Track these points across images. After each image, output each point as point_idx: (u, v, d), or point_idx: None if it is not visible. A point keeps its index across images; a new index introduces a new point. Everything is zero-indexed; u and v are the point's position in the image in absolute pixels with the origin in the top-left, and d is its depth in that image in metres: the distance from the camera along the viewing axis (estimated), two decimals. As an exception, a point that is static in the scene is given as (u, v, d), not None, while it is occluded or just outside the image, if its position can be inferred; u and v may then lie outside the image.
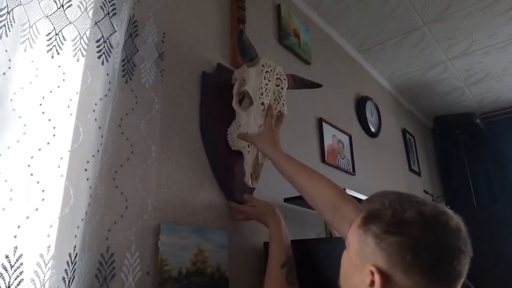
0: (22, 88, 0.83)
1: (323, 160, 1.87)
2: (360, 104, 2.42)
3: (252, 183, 1.15)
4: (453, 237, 0.58)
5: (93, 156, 0.88)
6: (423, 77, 2.93)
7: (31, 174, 0.79)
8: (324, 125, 1.96)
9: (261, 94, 1.08)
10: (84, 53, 0.92)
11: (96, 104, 0.91)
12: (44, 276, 0.75)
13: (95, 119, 0.90)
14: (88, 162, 0.86)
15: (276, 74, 1.11)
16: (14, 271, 0.71)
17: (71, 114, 0.87)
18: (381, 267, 0.59)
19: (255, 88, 1.08)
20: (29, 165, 0.79)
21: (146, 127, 1.05)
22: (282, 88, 1.14)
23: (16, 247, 0.73)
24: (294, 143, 1.70)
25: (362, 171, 2.19)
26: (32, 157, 0.80)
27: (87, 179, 0.85)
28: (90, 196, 0.84)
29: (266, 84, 1.08)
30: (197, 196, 1.17)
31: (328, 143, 1.95)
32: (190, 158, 1.19)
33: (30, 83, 0.85)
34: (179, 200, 1.12)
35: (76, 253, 0.79)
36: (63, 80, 0.88)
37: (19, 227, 0.74)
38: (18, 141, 0.79)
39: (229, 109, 1.21)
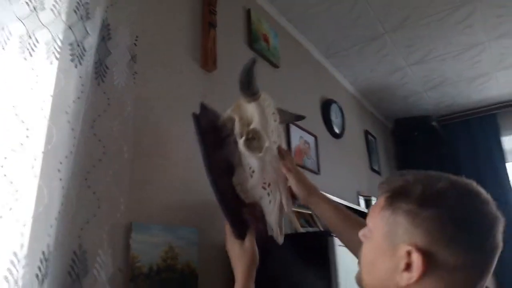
0: (-5, 90, 0.84)
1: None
2: (326, 106, 2.52)
3: (281, 237, 0.93)
4: (488, 204, 0.56)
5: (66, 157, 0.90)
6: (384, 81, 3.09)
7: (5, 175, 0.81)
8: (292, 127, 2.04)
9: (272, 132, 0.91)
10: (58, 56, 0.94)
11: (69, 106, 0.93)
12: (18, 273, 0.78)
13: (68, 121, 0.92)
14: (61, 163, 0.89)
15: (272, 108, 0.93)
16: (-11, 269, 0.73)
17: (44, 116, 0.89)
18: (419, 246, 0.53)
19: (265, 126, 0.88)
20: (2, 166, 0.81)
21: (119, 129, 1.08)
22: (278, 123, 0.95)
23: (-11, 246, 0.75)
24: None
25: (327, 170, 2.29)
26: (5, 158, 0.81)
27: (60, 179, 0.87)
28: (63, 196, 0.87)
29: (275, 120, 0.91)
30: (169, 195, 1.22)
31: (295, 144, 2.04)
32: (162, 158, 1.23)
33: (3, 84, 0.86)
34: (151, 199, 1.15)
35: (50, 251, 0.82)
36: (36, 82, 0.90)
37: (-7, 226, 0.76)
38: (-9, 143, 0.80)
39: (224, 156, 0.98)
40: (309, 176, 2.09)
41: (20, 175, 0.83)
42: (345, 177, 2.53)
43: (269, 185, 0.88)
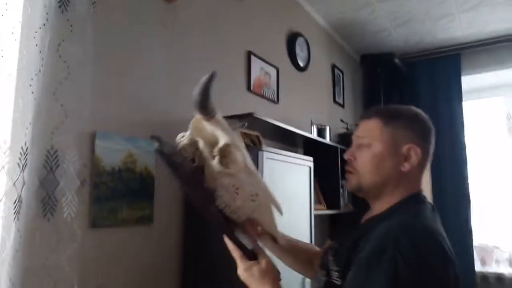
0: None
1: (249, 89, 2.17)
2: (291, 39, 2.67)
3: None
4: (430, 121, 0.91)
5: (36, 74, 1.11)
6: (355, 16, 3.19)
7: (-14, 87, 1.02)
8: (253, 58, 2.22)
9: (241, 141, 0.86)
10: (23, -15, 1.10)
11: (36, 32, 1.11)
12: (3, 162, 1.03)
13: (36, 44, 1.11)
14: (32, 79, 1.09)
15: (225, 122, 0.86)
16: (-20, 156, 0.98)
17: (15, 40, 1.07)
18: (416, 143, 0.84)
19: (235, 138, 0.83)
20: (-17, 79, 1.01)
21: (81, 51, 1.26)
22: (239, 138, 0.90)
23: (-21, 140, 0.99)
24: (222, 74, 1.97)
25: (286, 101, 2.52)
26: (-15, 73, 1.02)
27: (32, 92, 1.09)
28: (35, 105, 1.09)
29: (238, 135, 0.87)
30: (130, 109, 1.45)
31: (255, 75, 2.23)
32: (123, 76, 1.44)
33: (-23, 11, 1.03)
34: (114, 112, 1.39)
35: (27, 147, 1.06)
36: (6, 10, 1.07)
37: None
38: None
39: (198, 185, 0.84)
40: (267, 104, 2.33)
41: (-2, 87, 1.04)
42: (303, 108, 2.77)
43: (257, 195, 0.83)
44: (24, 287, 1.05)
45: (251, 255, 0.83)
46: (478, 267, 3.46)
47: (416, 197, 0.86)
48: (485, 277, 3.39)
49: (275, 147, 2.25)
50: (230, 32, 2.08)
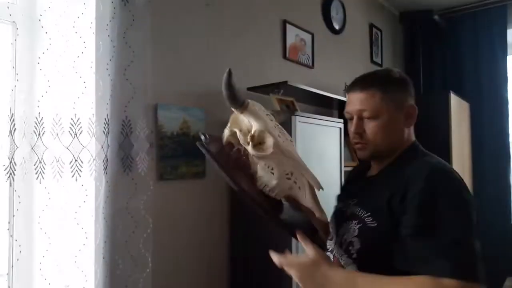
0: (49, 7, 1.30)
1: (284, 56, 2.35)
2: (326, 3, 2.76)
3: (325, 216, 0.94)
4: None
5: (110, 60, 1.39)
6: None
7: (76, 72, 1.32)
8: (288, 26, 2.37)
9: (274, 128, 0.91)
10: (95, -13, 1.36)
11: (107, 25, 1.38)
12: (94, 130, 1.35)
13: (108, 35, 1.38)
14: (107, 64, 1.38)
15: (264, 111, 0.93)
16: (78, 125, 1.31)
17: (93, 33, 1.35)
18: (411, 101, 0.96)
19: (265, 125, 0.89)
20: (73, 67, 1.31)
21: (142, 38, 1.52)
22: (275, 120, 0.95)
23: (75, 115, 1.31)
24: (258, 43, 2.16)
25: (321, 65, 2.67)
26: (74, 62, 1.31)
27: (109, 74, 1.38)
28: (111, 85, 1.38)
29: (271, 120, 0.92)
30: (184, 83, 1.71)
31: (290, 42, 2.39)
32: (178, 55, 1.69)
33: (66, 12, 1.30)
34: (171, 86, 1.66)
35: (109, 118, 1.37)
36: (84, 9, 1.34)
37: (74, 105, 1.30)
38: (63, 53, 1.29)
39: (244, 172, 0.93)
40: (302, 70, 2.49)
41: (85, 73, 1.34)
42: (338, 70, 2.89)
43: (291, 173, 0.90)
44: (113, 224, 1.40)
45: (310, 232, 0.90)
46: (515, 221, 3.53)
47: (417, 144, 1.00)
48: (522, 230, 3.47)
49: (310, 111, 2.46)
50: (266, 2, 2.23)
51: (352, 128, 0.97)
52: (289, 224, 0.92)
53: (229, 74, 0.87)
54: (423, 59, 3.65)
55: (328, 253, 0.98)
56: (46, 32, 1.26)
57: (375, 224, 0.87)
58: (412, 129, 1.00)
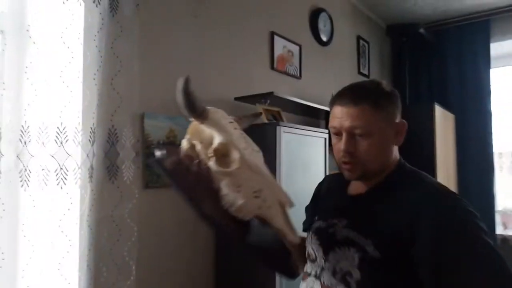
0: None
1: (272, 67, 2.39)
2: (314, 15, 2.82)
3: (296, 237, 0.89)
4: None
5: (97, 70, 1.41)
6: (379, -13, 3.24)
7: (63, 82, 1.34)
8: (276, 37, 2.42)
9: (237, 139, 0.82)
10: (83, 1, 1.39)
11: (95, 35, 1.41)
12: (80, 139, 1.36)
13: (96, 46, 1.41)
14: (95, 73, 1.40)
15: (227, 118, 0.84)
16: (64, 134, 1.32)
17: (81, 44, 1.38)
18: (400, 116, 0.89)
19: (230, 137, 0.80)
20: (60, 76, 1.33)
21: (129, 47, 1.55)
22: (240, 129, 0.86)
23: (61, 123, 1.33)
24: (246, 54, 2.20)
25: (308, 76, 2.72)
26: (62, 71, 1.33)
27: (95, 84, 1.40)
28: (98, 94, 1.40)
29: (235, 129, 0.83)
30: (170, 91, 1.74)
31: (278, 53, 2.44)
32: (164, 63, 1.72)
33: (57, 22, 1.33)
34: (157, 96, 1.69)
35: (95, 127, 1.39)
36: (73, 20, 1.37)
37: (61, 114, 1.32)
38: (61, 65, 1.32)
39: (206, 187, 0.82)
40: (290, 80, 2.54)
41: (72, 82, 1.36)
42: (325, 81, 2.95)
43: (260, 191, 0.80)
44: (98, 231, 1.41)
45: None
46: (499, 231, 3.60)
47: (403, 162, 0.93)
48: (505, 239, 3.53)
49: (298, 121, 2.50)
50: (254, 14, 2.28)
51: (342, 146, 0.86)
52: (258, 250, 0.86)
53: (186, 80, 0.79)
54: (410, 71, 3.74)
55: (310, 278, 0.91)
56: (34, 42, 1.28)
57: (379, 255, 0.79)
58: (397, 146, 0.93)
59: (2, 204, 1.20)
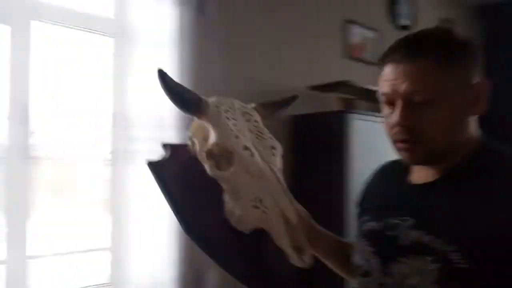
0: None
1: (347, 55, 2.41)
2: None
3: (304, 260, 0.69)
4: None
5: (188, 66, 1.61)
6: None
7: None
8: (351, 25, 2.43)
9: (237, 138, 0.70)
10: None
11: (184, 34, 1.60)
12: (176, 124, 1.58)
13: (185, 44, 1.61)
14: (186, 70, 1.60)
15: (238, 109, 0.76)
16: (162, 121, 1.55)
17: (174, 43, 1.58)
18: (480, 75, 0.66)
19: (226, 135, 0.70)
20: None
21: (217, 46, 1.72)
22: (256, 121, 0.77)
23: (160, 113, 1.55)
24: (320, 42, 2.26)
25: (387, 61, 2.66)
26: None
27: (188, 79, 1.60)
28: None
29: (235, 125, 0.71)
30: (254, 81, 1.90)
31: (354, 40, 2.45)
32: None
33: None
34: (240, 86, 1.85)
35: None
36: (166, 22, 1.58)
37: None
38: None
39: (200, 193, 0.76)
40: (367, 69, 2.51)
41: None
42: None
43: (260, 200, 0.68)
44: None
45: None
46: None
47: (487, 141, 0.70)
48: None
49: (376, 109, 2.48)
50: (328, 2, 2.32)
51: (396, 118, 0.66)
52: (266, 279, 0.72)
53: (161, 74, 0.68)
54: (506, 59, 3.38)
55: None
56: (137, 44, 1.52)
57: (468, 265, 0.58)
58: (476, 118, 0.70)
59: (116, 181, 1.47)
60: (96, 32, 1.55)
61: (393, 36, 2.65)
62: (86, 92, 1.57)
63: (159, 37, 1.56)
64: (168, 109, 1.58)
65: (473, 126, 0.69)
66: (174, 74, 1.59)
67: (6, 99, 1.32)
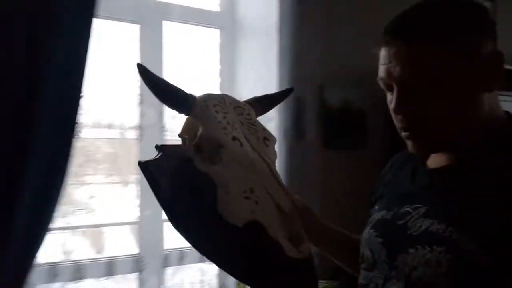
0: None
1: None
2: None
3: (300, 250, 0.63)
4: None
5: (289, 50, 1.74)
6: None
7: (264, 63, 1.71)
8: None
9: (225, 129, 0.70)
10: None
11: (286, 20, 1.73)
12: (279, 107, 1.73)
13: (285, 29, 1.73)
14: (288, 54, 1.73)
15: (230, 103, 0.76)
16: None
17: (275, 29, 1.72)
18: (494, 44, 0.58)
19: (213, 127, 0.70)
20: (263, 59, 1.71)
21: (314, 31, 1.81)
22: (249, 114, 0.77)
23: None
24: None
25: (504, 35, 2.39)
26: (264, 54, 1.70)
27: (287, 62, 1.73)
28: (289, 70, 1.73)
29: (224, 117, 0.71)
30: (346, 64, 1.93)
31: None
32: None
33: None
34: (335, 68, 1.91)
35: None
36: (269, 11, 1.72)
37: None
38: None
39: (193, 191, 0.75)
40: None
41: (272, 62, 1.73)
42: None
43: (251, 191, 0.66)
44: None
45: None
46: None
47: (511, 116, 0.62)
48: None
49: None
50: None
51: (393, 104, 0.60)
52: (262, 274, 0.65)
53: (142, 70, 0.67)
54: None
55: None
56: (244, 35, 1.70)
57: (488, 259, 0.51)
58: (496, 92, 0.61)
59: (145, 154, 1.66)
60: (206, 25, 1.75)
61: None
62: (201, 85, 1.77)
63: (263, 26, 1.72)
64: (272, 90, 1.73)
65: (490, 100, 0.60)
66: (276, 62, 1.73)
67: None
